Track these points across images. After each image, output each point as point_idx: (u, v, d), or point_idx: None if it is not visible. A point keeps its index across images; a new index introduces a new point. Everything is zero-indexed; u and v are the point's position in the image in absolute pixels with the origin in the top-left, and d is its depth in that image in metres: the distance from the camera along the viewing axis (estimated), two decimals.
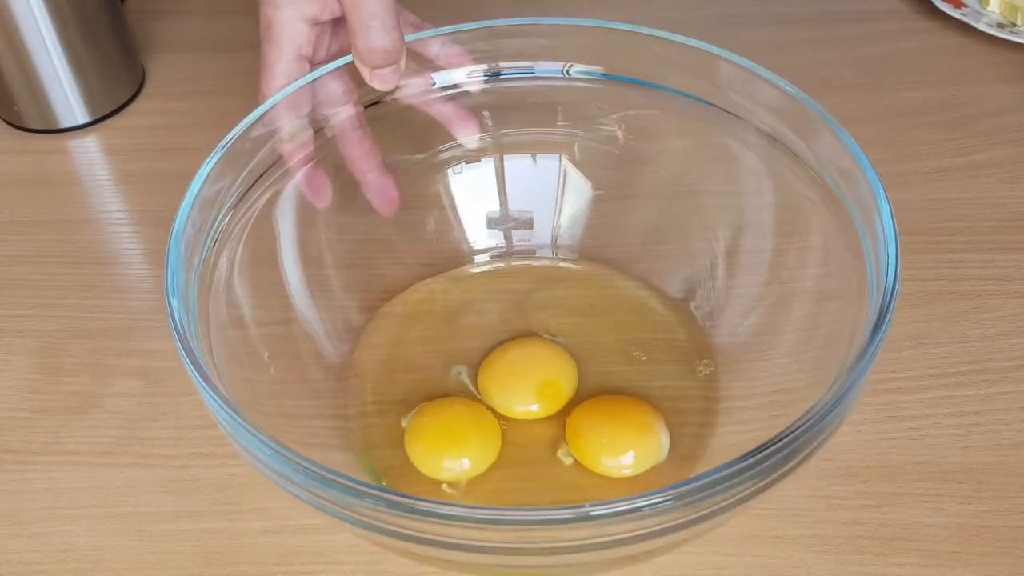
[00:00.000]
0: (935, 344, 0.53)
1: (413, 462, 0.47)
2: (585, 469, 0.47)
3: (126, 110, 0.70)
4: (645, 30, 0.49)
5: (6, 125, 0.69)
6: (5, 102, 0.68)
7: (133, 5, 0.75)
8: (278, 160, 0.49)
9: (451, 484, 0.47)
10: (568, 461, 0.48)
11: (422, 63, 0.51)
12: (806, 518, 0.47)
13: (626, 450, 0.47)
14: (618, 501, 0.34)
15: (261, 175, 0.48)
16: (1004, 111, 0.66)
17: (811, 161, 0.46)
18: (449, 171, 0.55)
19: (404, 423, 0.49)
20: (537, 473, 0.48)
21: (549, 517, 0.34)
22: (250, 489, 0.48)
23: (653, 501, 0.34)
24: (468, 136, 0.53)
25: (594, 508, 0.34)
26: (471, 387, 0.50)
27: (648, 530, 0.35)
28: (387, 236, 0.56)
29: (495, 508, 0.35)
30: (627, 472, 0.47)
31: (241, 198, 0.47)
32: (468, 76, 0.52)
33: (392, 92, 0.51)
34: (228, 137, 0.46)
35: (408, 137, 0.54)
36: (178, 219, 0.43)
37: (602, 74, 0.52)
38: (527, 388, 0.50)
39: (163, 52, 0.74)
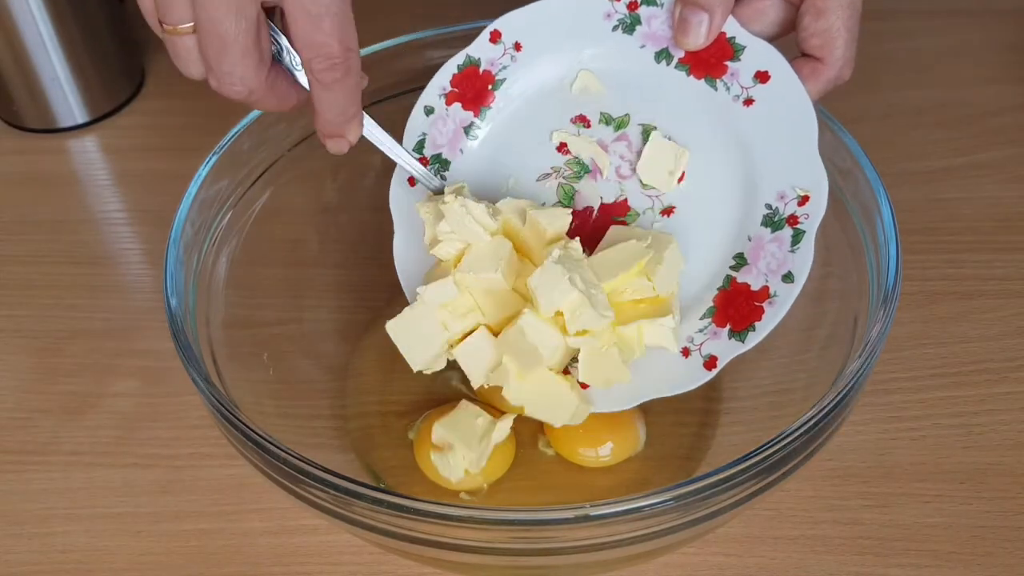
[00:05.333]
0: (936, 344, 0.53)
1: (424, 470, 0.47)
2: (568, 460, 0.48)
3: (125, 110, 0.70)
4: None
5: (5, 124, 0.69)
6: (4, 101, 0.67)
7: (133, 5, 0.74)
8: (277, 160, 0.49)
9: (470, 492, 0.47)
10: (550, 452, 0.48)
11: None
12: (807, 519, 0.46)
13: (603, 441, 0.47)
14: (619, 501, 0.34)
15: (260, 175, 0.48)
16: (1004, 111, 0.66)
17: None
18: None
19: (411, 434, 0.49)
20: (524, 468, 0.48)
21: (550, 517, 0.34)
22: (249, 489, 0.48)
23: (654, 502, 0.34)
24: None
25: (594, 508, 0.34)
26: (466, 389, 0.50)
27: (649, 531, 0.35)
28: (387, 236, 0.56)
29: (495, 509, 0.35)
30: (605, 462, 0.47)
31: (240, 198, 0.47)
32: None
33: None
34: (227, 137, 0.46)
35: None
36: (177, 219, 0.43)
37: None
38: None
39: (162, 52, 0.73)
